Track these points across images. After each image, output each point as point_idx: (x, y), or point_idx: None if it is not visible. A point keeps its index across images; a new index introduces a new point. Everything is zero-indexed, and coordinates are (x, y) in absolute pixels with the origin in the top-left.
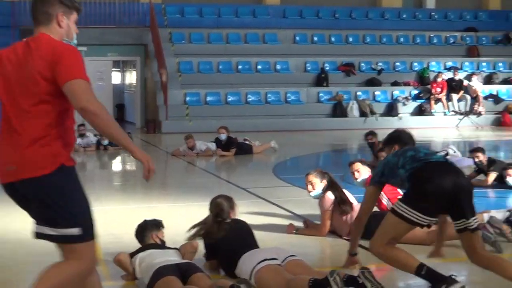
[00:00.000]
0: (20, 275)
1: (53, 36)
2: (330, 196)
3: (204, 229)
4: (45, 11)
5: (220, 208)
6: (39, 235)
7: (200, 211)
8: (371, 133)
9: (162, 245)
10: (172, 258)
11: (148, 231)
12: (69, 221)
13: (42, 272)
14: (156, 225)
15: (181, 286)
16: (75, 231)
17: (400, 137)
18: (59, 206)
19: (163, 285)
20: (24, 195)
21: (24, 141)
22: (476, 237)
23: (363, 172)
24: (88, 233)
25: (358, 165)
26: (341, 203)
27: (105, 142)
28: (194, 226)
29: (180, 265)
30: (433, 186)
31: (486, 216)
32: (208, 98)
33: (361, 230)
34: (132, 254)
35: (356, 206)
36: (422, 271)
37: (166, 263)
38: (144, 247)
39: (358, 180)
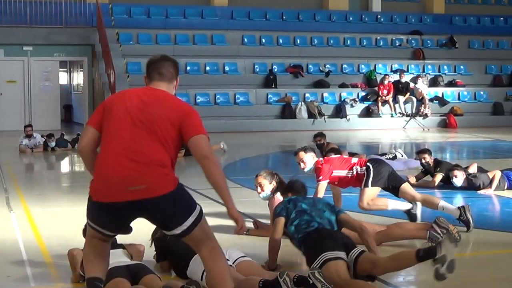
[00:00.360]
0: None
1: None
2: (279, 197)
3: (156, 231)
4: (171, 71)
5: None
6: (175, 236)
7: None
8: (320, 135)
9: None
10: (122, 259)
11: None
12: (193, 202)
13: (214, 276)
14: None
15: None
16: (198, 208)
17: (293, 187)
18: (186, 200)
19: (112, 287)
20: (144, 210)
21: (152, 166)
22: (367, 254)
23: (308, 161)
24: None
25: (301, 155)
26: None
27: (52, 144)
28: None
29: (130, 266)
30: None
31: (390, 203)
32: None
33: (278, 250)
34: None
35: None
36: None
37: (116, 264)
38: None
39: (305, 170)
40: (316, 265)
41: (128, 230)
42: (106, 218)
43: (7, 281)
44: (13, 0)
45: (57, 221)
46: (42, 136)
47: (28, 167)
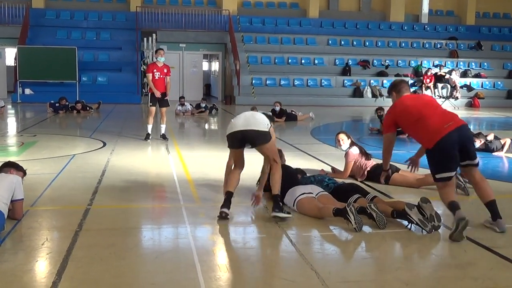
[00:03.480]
0: None
1: None
2: (354, 151)
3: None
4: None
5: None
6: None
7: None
8: (380, 108)
9: None
10: None
11: None
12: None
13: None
14: None
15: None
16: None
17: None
18: None
19: None
20: None
21: None
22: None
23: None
24: None
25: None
26: (365, 154)
27: (203, 104)
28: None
29: None
30: None
31: None
32: (268, 82)
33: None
34: None
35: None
36: None
37: None
38: None
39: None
40: (351, 201)
41: None
42: None
43: (165, 199)
44: (173, 13)
45: (199, 161)
46: (190, 104)
47: (181, 125)
